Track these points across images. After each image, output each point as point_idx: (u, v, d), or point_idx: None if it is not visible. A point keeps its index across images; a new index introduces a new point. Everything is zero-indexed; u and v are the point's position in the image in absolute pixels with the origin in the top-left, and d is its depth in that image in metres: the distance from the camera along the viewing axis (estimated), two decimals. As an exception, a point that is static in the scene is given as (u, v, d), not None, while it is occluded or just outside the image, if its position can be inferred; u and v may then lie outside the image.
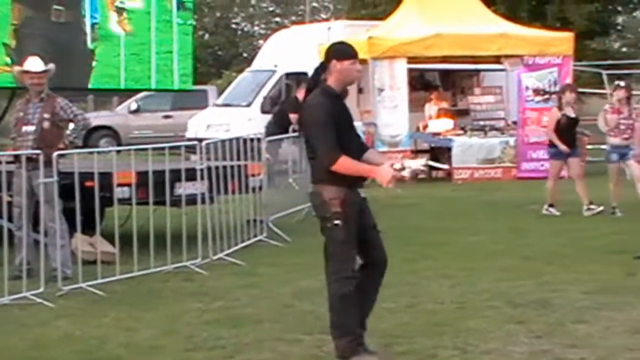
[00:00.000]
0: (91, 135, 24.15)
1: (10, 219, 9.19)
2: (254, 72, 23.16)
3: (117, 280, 8.69)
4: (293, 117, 17.16)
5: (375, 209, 6.14)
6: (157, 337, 6.81)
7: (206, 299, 8.03)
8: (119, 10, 12.20)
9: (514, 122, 19.43)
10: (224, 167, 10.29)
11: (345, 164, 5.82)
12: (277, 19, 55.26)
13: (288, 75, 21.70)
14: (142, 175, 9.41)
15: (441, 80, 22.12)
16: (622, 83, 13.38)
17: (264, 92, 21.79)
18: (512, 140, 18.67)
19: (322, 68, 6.07)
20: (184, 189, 9.82)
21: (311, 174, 6.11)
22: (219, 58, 52.42)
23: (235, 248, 10.16)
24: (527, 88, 18.80)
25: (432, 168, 17.58)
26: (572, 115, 13.06)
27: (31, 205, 8.92)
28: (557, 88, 18.64)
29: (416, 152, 19.18)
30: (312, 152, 6.02)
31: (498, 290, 8.08)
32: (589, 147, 19.80)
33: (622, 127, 12.60)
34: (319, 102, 5.95)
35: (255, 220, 11.10)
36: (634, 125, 12.25)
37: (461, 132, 19.14)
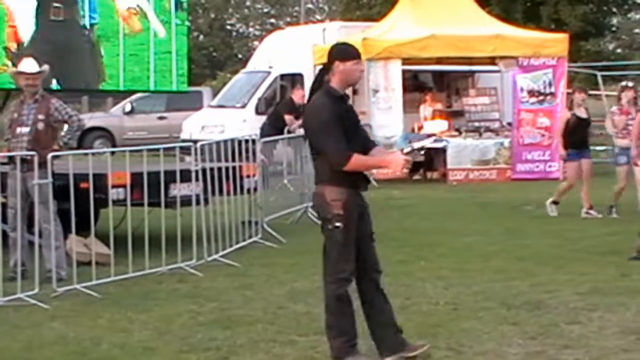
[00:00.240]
0: (86, 137, 24.10)
1: (4, 220, 9.18)
2: (248, 74, 23.16)
3: (112, 281, 8.68)
4: (288, 118, 17.19)
5: (370, 211, 6.14)
6: (151, 338, 6.81)
7: (201, 300, 8.03)
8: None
9: (509, 124, 19.45)
10: (219, 169, 10.29)
11: (357, 162, 5.83)
12: (272, 20, 55.29)
13: (283, 76, 21.71)
14: (136, 177, 9.41)
15: (436, 82, 22.13)
16: (630, 84, 13.27)
17: (259, 93, 21.79)
18: (506, 142, 18.69)
19: (325, 69, 6.05)
20: (179, 190, 9.82)
21: (315, 175, 6.12)
22: (213, 59, 52.43)
23: (230, 249, 10.16)
24: (521, 89, 18.82)
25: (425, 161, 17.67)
26: (584, 115, 12.89)
27: (26, 207, 8.91)
28: (552, 89, 18.73)
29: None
30: (315, 153, 6.02)
31: (492, 291, 8.09)
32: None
33: (631, 128, 12.34)
34: (321, 103, 5.94)
35: (250, 222, 11.10)
36: None
37: (456, 133, 19.16)
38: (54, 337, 6.89)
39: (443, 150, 18.46)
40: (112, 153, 10.52)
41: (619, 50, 39.64)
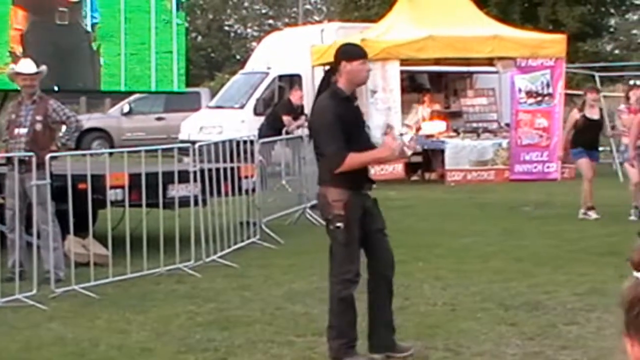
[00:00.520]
0: (84, 138, 24.09)
1: (2, 221, 9.18)
2: (246, 74, 23.16)
3: (110, 282, 8.68)
4: (286, 119, 17.18)
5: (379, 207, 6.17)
6: (149, 339, 6.80)
7: (199, 301, 8.03)
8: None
9: (507, 124, 19.47)
10: (217, 169, 10.29)
11: (352, 162, 5.84)
12: (270, 21, 55.29)
13: (281, 77, 21.71)
14: (134, 178, 9.40)
15: (434, 83, 22.14)
16: (638, 82, 13.15)
17: (257, 94, 21.79)
18: (504, 143, 18.70)
19: (332, 70, 6.06)
20: (177, 191, 9.82)
21: (318, 175, 6.15)
22: (211, 60, 52.43)
23: (228, 250, 10.16)
24: (519, 90, 18.84)
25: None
26: (595, 117, 12.64)
27: (24, 208, 8.91)
28: (550, 90, 18.73)
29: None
30: (319, 154, 6.04)
31: (490, 292, 8.10)
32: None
33: None
34: (325, 104, 5.97)
35: (248, 223, 11.10)
36: None
37: (454, 134, 19.18)
38: (52, 338, 6.89)
39: (441, 151, 18.47)
40: (110, 154, 10.55)
41: (616, 51, 39.66)
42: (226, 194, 10.48)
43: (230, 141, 11.41)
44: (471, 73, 21.68)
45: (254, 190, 11.32)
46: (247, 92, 22.05)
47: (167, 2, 12.62)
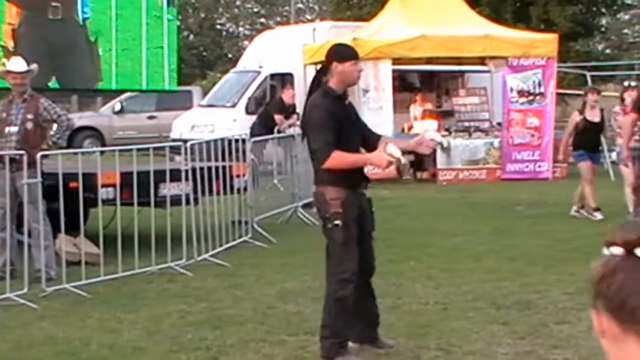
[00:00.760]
0: (75, 136, 24.05)
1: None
2: (238, 73, 23.15)
3: (101, 281, 8.66)
4: (278, 118, 17.18)
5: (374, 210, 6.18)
6: (140, 338, 6.79)
7: (190, 300, 8.02)
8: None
9: (499, 124, 19.48)
10: (209, 168, 10.27)
11: (338, 159, 5.85)
12: (262, 19, 55.26)
13: (273, 76, 21.70)
14: (126, 176, 9.39)
15: (426, 82, 22.15)
16: (632, 83, 13.04)
17: (249, 93, 21.78)
18: (496, 142, 18.71)
19: (323, 70, 6.08)
20: (169, 189, 9.80)
21: (314, 175, 6.15)
22: (203, 59, 52.38)
23: (220, 249, 10.15)
24: (511, 89, 18.85)
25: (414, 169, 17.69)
26: (595, 119, 12.39)
27: (15, 206, 8.89)
28: (542, 89, 18.75)
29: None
30: (313, 153, 6.05)
31: (482, 291, 8.10)
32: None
33: (636, 128, 12.13)
34: (318, 103, 5.98)
35: (240, 221, 11.09)
36: None
37: (446, 133, 19.16)
38: (43, 337, 6.87)
39: (433, 150, 18.45)
40: (102, 152, 10.52)
41: (608, 51, 39.76)
42: (218, 193, 10.47)
43: (222, 140, 11.40)
44: (463, 72, 21.70)
45: (245, 189, 11.31)
46: (239, 91, 22.03)
47: None
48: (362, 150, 6.24)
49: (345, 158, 5.91)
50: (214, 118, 21.31)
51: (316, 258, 8.79)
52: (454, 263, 9.49)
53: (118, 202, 9.35)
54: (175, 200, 9.78)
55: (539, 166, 18.57)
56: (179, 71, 13.56)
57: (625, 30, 45.19)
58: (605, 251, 1.67)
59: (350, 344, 6.14)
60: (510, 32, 20.12)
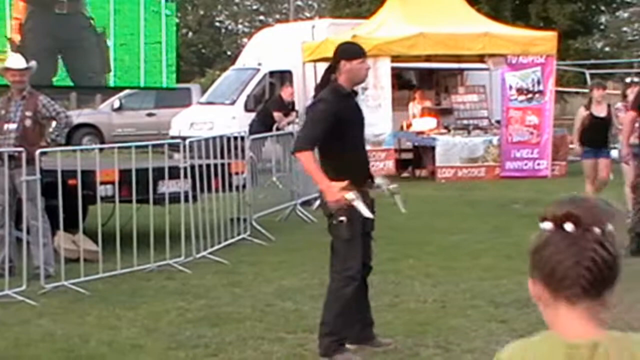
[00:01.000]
0: (74, 133, 24.04)
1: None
2: (237, 71, 23.13)
3: (100, 278, 8.66)
4: (277, 115, 17.17)
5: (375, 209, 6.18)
6: (139, 335, 6.79)
7: (189, 297, 8.02)
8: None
9: (498, 121, 19.48)
10: (208, 166, 10.27)
11: (306, 159, 5.93)
12: (261, 17, 55.25)
13: (272, 73, 21.68)
14: (125, 174, 9.39)
15: (425, 80, 22.14)
16: (635, 79, 12.94)
17: (248, 90, 21.77)
18: (495, 140, 18.71)
19: (331, 68, 6.10)
20: (167, 187, 9.80)
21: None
22: (202, 56, 52.36)
23: (219, 246, 10.15)
24: (510, 87, 18.85)
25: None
26: (602, 114, 12.32)
27: (13, 203, 8.89)
28: (541, 87, 18.75)
29: (399, 152, 19.24)
30: (319, 148, 6.06)
31: (480, 289, 8.11)
32: (572, 146, 19.91)
33: (637, 124, 11.97)
34: (325, 98, 6.02)
35: (238, 219, 11.09)
36: None
37: (445, 131, 19.18)
38: (42, 334, 6.87)
39: (432, 148, 18.48)
40: (101, 150, 10.52)
41: (607, 49, 39.75)
42: (217, 190, 10.47)
43: (221, 137, 11.40)
44: (462, 70, 21.70)
45: (244, 186, 11.31)
46: (238, 88, 22.02)
47: None
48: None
49: (310, 164, 5.94)
50: (213, 115, 21.30)
51: (315, 256, 8.81)
52: (452, 261, 9.50)
53: (117, 199, 9.35)
54: (174, 198, 9.79)
55: (538, 164, 18.57)
56: (178, 69, 13.57)
57: (625, 28, 45.18)
58: (540, 225, 1.87)
59: (348, 345, 6.13)
60: (509, 29, 20.12)
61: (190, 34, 52.85)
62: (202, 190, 10.11)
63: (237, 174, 11.01)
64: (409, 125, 19.62)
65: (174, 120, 22.43)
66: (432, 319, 7.08)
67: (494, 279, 8.53)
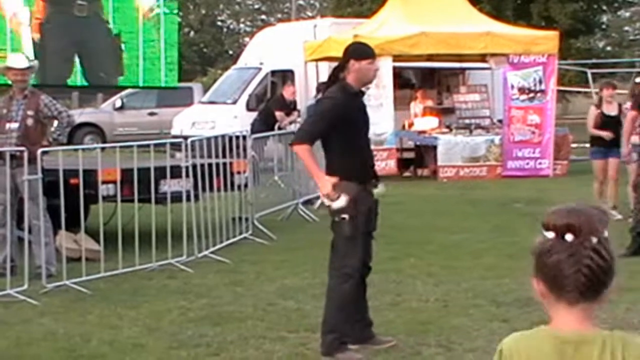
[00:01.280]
0: (76, 133, 24.05)
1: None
2: (239, 70, 23.13)
3: (102, 277, 8.67)
4: (279, 114, 17.16)
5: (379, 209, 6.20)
6: (141, 334, 6.80)
7: (191, 296, 8.02)
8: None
9: (499, 121, 19.47)
10: (209, 165, 10.27)
11: (303, 152, 5.97)
12: (263, 16, 55.27)
13: (274, 72, 21.68)
14: (127, 173, 9.39)
15: (426, 79, 22.12)
16: (637, 79, 12.91)
17: (250, 89, 21.76)
18: (497, 139, 18.69)
19: (340, 67, 6.12)
20: (169, 186, 9.81)
21: (325, 168, 6.18)
22: (204, 55, 52.38)
23: (220, 246, 10.15)
24: (512, 86, 18.83)
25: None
26: (612, 113, 12.34)
27: (15, 203, 8.89)
28: (542, 87, 18.74)
29: (401, 151, 19.23)
30: (324, 148, 6.08)
31: (482, 288, 8.11)
32: (574, 145, 19.91)
33: (637, 124, 11.88)
34: (332, 95, 6.06)
35: (240, 218, 11.09)
36: None
37: (446, 130, 19.16)
38: (43, 333, 6.88)
39: (433, 147, 18.47)
40: (102, 149, 10.52)
41: (608, 48, 39.78)
42: (218, 190, 10.47)
43: (223, 136, 11.40)
44: (464, 69, 21.68)
45: (246, 185, 11.31)
46: (240, 87, 22.02)
47: None
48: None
49: (307, 158, 5.99)
50: (215, 115, 21.30)
51: (316, 255, 8.80)
52: (454, 260, 9.50)
53: (118, 198, 9.35)
54: (176, 197, 9.79)
55: (540, 163, 18.56)
56: (180, 68, 13.54)
57: (626, 28, 45.20)
58: (543, 232, 2.09)
59: (349, 346, 6.14)
60: (511, 29, 20.11)
61: (192, 33, 52.87)
62: (204, 189, 10.10)
63: (239, 173, 11.01)
64: (410, 125, 19.61)
65: (175, 120, 22.43)
66: (434, 318, 7.08)
67: (496, 278, 8.53)
